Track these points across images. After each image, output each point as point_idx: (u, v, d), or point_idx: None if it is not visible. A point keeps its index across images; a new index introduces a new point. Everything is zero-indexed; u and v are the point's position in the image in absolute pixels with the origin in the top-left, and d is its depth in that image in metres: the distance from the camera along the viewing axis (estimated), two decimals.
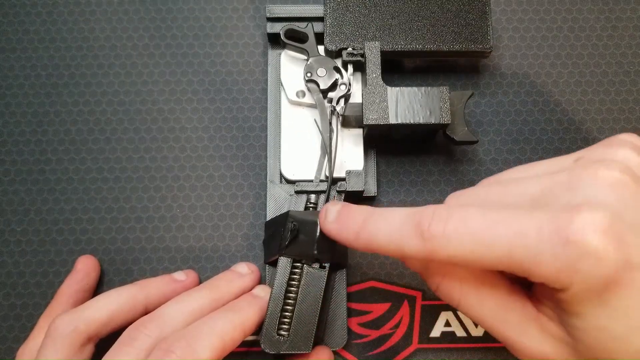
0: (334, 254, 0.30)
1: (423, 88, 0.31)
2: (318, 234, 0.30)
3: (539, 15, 0.37)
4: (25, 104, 0.36)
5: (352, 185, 0.32)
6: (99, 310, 0.28)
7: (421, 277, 0.26)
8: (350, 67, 0.33)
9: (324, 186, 0.32)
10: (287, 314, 0.29)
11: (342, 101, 0.33)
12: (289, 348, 0.29)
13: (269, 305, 0.29)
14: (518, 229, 0.20)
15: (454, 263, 0.22)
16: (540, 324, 0.22)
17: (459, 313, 0.34)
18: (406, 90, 0.31)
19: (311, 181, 0.33)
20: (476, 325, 0.34)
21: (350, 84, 0.33)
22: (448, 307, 0.34)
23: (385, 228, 0.23)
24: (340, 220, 0.26)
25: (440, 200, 0.35)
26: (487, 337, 0.33)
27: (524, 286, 0.24)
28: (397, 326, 0.33)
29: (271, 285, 0.30)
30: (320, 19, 0.34)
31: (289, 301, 0.29)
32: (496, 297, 0.23)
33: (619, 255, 0.19)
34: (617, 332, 0.20)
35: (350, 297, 0.34)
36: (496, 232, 0.20)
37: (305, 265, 0.30)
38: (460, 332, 0.33)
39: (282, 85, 0.34)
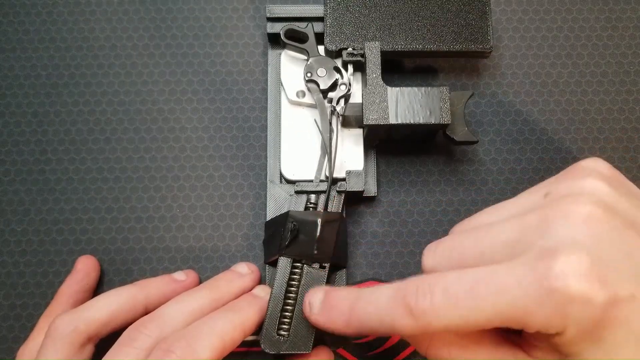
0: (334, 254, 0.30)
1: (423, 88, 0.31)
2: (318, 234, 0.30)
3: (539, 15, 0.37)
4: (25, 104, 0.36)
5: (352, 185, 0.32)
6: (99, 311, 0.28)
7: (409, 342, 0.26)
8: (350, 67, 0.33)
9: (324, 186, 0.32)
10: (287, 314, 0.29)
11: (342, 101, 0.33)
12: (289, 348, 0.29)
13: (269, 305, 0.29)
14: (499, 285, 0.20)
15: (450, 330, 0.22)
16: None
17: None
18: (406, 90, 0.31)
19: (311, 181, 0.33)
20: None
21: (350, 84, 0.33)
22: None
23: (373, 311, 0.23)
24: (325, 312, 0.26)
25: (439, 202, 0.35)
26: None
27: (512, 333, 0.24)
28: None
29: (271, 285, 0.30)
30: (320, 19, 0.34)
31: (289, 301, 0.29)
32: (484, 351, 0.23)
33: (604, 294, 0.19)
34: None
35: None
36: (478, 295, 0.20)
37: (305, 265, 0.30)
38: None
39: (282, 85, 0.34)
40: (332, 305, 0.25)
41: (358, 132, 0.34)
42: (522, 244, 0.21)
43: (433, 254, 0.25)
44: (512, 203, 0.24)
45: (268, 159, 0.34)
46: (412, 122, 0.31)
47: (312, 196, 0.32)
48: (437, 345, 0.24)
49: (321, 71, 0.33)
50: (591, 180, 0.22)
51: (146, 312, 0.29)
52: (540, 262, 0.20)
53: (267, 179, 0.34)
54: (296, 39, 0.34)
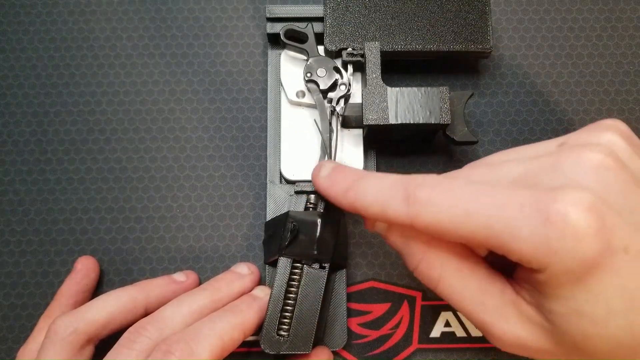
0: (334, 254, 0.30)
1: (423, 88, 0.31)
2: (318, 234, 0.30)
3: (539, 15, 0.37)
4: (25, 104, 0.36)
5: None
6: (98, 312, 0.28)
7: (401, 256, 0.26)
8: (350, 67, 0.33)
9: None
10: (287, 314, 0.29)
11: (342, 101, 0.33)
12: (288, 348, 0.29)
13: (269, 305, 0.29)
14: (499, 201, 0.20)
15: (432, 231, 0.22)
16: (518, 309, 0.22)
17: (459, 313, 0.34)
18: (406, 90, 0.31)
19: (311, 181, 0.33)
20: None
21: (350, 84, 0.33)
22: (448, 308, 0.34)
23: (373, 188, 0.24)
24: (332, 177, 0.26)
25: None
26: None
27: (504, 272, 0.24)
28: (397, 326, 0.33)
29: (271, 285, 0.30)
30: (320, 19, 0.34)
31: (289, 301, 0.29)
32: (476, 279, 0.23)
33: (600, 237, 0.19)
34: (596, 317, 0.20)
35: (350, 297, 0.34)
36: (478, 202, 0.21)
37: (305, 265, 0.30)
38: (460, 333, 0.33)
39: (282, 85, 0.34)
40: (339, 174, 0.26)
41: (358, 132, 0.34)
42: (532, 179, 0.21)
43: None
44: (526, 147, 0.24)
45: (268, 159, 0.34)
46: (412, 122, 0.31)
47: (312, 196, 0.32)
48: (431, 261, 0.24)
49: (321, 71, 0.33)
50: (609, 134, 0.22)
51: (146, 313, 0.29)
52: (544, 192, 0.20)
53: (267, 179, 0.34)
54: (296, 39, 0.34)
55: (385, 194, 0.23)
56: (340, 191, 0.25)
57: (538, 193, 0.20)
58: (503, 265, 0.24)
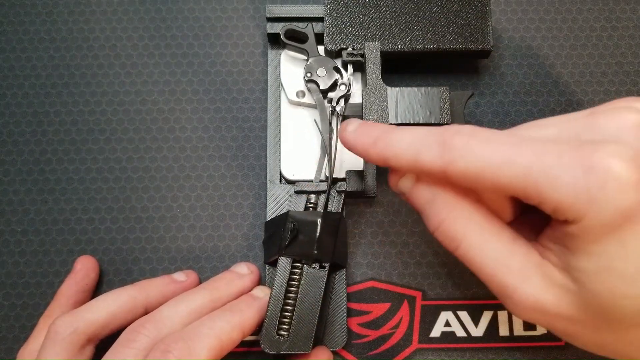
0: (334, 254, 0.30)
1: (423, 88, 0.31)
2: (318, 234, 0.30)
3: (539, 15, 0.37)
4: (25, 104, 0.36)
5: (352, 186, 0.32)
6: (98, 312, 0.28)
7: (422, 216, 0.25)
8: (350, 67, 0.33)
9: (323, 186, 0.32)
10: (287, 314, 0.29)
11: (342, 101, 0.33)
12: (288, 348, 0.29)
13: (268, 305, 0.29)
14: (540, 150, 0.20)
15: (467, 179, 0.21)
16: (543, 271, 0.22)
17: (459, 313, 0.34)
18: (406, 90, 0.31)
19: (311, 181, 0.33)
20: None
21: (350, 84, 0.33)
22: (448, 307, 0.34)
23: (406, 136, 0.23)
24: (360, 129, 0.25)
25: None
26: (487, 337, 0.33)
27: (528, 238, 0.24)
28: (397, 326, 0.33)
29: (271, 285, 0.30)
30: (320, 19, 0.34)
31: (289, 301, 0.29)
32: (501, 239, 0.22)
33: (639, 189, 0.18)
34: (627, 274, 0.19)
35: (350, 297, 0.34)
36: (517, 151, 0.20)
37: (305, 265, 0.30)
38: (460, 332, 0.33)
39: (282, 85, 0.34)
40: (369, 126, 0.25)
41: None
42: (571, 137, 0.21)
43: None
44: (556, 117, 0.23)
45: (268, 159, 0.34)
46: (412, 122, 0.31)
47: (312, 196, 0.32)
48: (455, 219, 0.23)
49: (321, 71, 0.33)
50: (638, 102, 0.22)
51: (146, 313, 0.29)
52: (586, 145, 0.19)
53: (267, 179, 0.34)
54: (296, 39, 0.34)
55: (419, 141, 0.22)
56: (368, 142, 0.24)
57: (579, 144, 0.20)
58: (527, 231, 0.24)
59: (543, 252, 0.22)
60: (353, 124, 0.26)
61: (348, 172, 0.32)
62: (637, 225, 0.19)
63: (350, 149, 0.26)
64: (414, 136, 0.23)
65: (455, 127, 0.22)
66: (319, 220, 0.30)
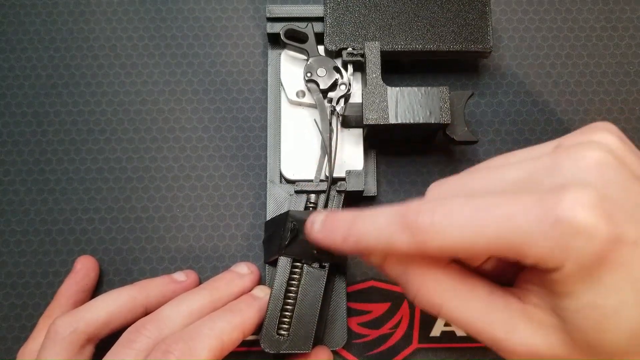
0: (334, 254, 0.30)
1: (423, 88, 0.31)
2: None
3: (539, 15, 0.37)
4: (25, 104, 0.36)
5: (352, 185, 0.32)
6: (98, 312, 0.28)
7: (400, 286, 0.25)
8: (350, 67, 0.33)
9: (324, 186, 0.32)
10: (287, 313, 0.29)
11: (342, 101, 0.33)
12: (288, 348, 0.29)
13: (269, 305, 0.29)
14: (505, 212, 0.20)
15: (445, 253, 0.22)
16: (527, 316, 0.22)
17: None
18: (406, 90, 0.31)
19: (311, 181, 0.33)
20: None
21: (350, 84, 0.33)
22: None
23: (372, 227, 0.23)
24: (326, 228, 0.25)
25: None
26: None
27: (503, 282, 0.24)
28: (397, 326, 0.33)
29: (271, 285, 0.30)
30: (320, 19, 0.34)
31: (289, 301, 0.29)
32: (478, 296, 0.23)
33: (609, 231, 0.19)
34: (609, 309, 0.20)
35: (350, 296, 0.34)
36: (483, 217, 0.20)
37: (305, 265, 0.30)
38: (460, 332, 0.33)
39: (282, 85, 0.34)
40: (333, 222, 0.25)
41: (358, 132, 0.34)
42: (532, 182, 0.21)
43: (438, 189, 0.24)
44: (523, 151, 0.24)
45: (268, 159, 0.34)
46: (412, 122, 0.31)
47: (312, 196, 0.32)
48: (430, 288, 0.23)
49: (321, 71, 0.33)
50: (603, 133, 0.22)
51: (146, 313, 0.29)
52: (548, 195, 0.20)
53: (267, 179, 0.34)
54: (296, 39, 0.34)
55: (387, 229, 0.22)
56: (339, 239, 0.24)
57: (542, 196, 0.20)
58: (499, 277, 0.24)
59: (523, 295, 0.23)
60: (317, 222, 0.26)
61: (348, 172, 0.32)
62: (613, 265, 0.19)
63: (323, 248, 0.26)
64: (380, 225, 0.23)
65: (415, 205, 0.22)
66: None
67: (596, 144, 0.21)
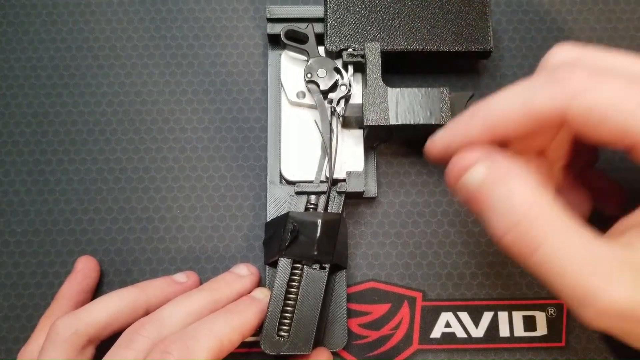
0: (334, 254, 0.30)
1: (423, 89, 0.31)
2: (318, 234, 0.30)
3: (539, 15, 0.37)
4: (25, 104, 0.36)
5: (353, 186, 0.32)
6: (99, 313, 0.28)
7: (486, 218, 0.21)
8: (350, 68, 0.33)
9: (324, 187, 0.32)
10: (287, 314, 0.29)
11: (342, 102, 0.33)
12: (288, 349, 0.29)
13: (269, 306, 0.29)
14: None
15: (590, 122, 0.20)
16: (635, 266, 0.19)
17: (459, 314, 0.34)
18: (406, 91, 0.31)
19: (311, 182, 0.33)
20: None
21: (350, 85, 0.33)
22: (448, 308, 0.34)
23: (505, 93, 0.21)
24: (448, 127, 0.23)
25: (440, 203, 0.35)
26: (487, 337, 0.33)
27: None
28: (397, 327, 0.33)
29: (271, 286, 0.30)
30: (320, 20, 0.34)
31: (289, 302, 0.29)
32: (585, 238, 0.20)
33: None
34: None
35: (350, 298, 0.34)
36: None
37: (305, 266, 0.30)
38: (460, 333, 0.33)
39: (282, 86, 0.34)
40: (455, 121, 0.23)
41: (358, 133, 0.34)
42: None
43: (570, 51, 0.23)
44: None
45: (268, 160, 0.34)
46: (412, 122, 0.31)
47: (312, 197, 0.32)
48: (534, 222, 0.20)
49: (321, 72, 0.33)
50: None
51: (147, 314, 0.29)
52: None
53: (267, 180, 0.34)
54: (296, 40, 0.34)
55: (527, 88, 0.20)
56: (465, 119, 0.22)
57: None
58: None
59: (629, 243, 0.20)
60: (437, 134, 0.24)
61: (348, 173, 0.32)
62: None
63: (448, 154, 0.23)
64: (516, 88, 0.21)
65: (568, 63, 0.20)
66: (319, 221, 0.30)
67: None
